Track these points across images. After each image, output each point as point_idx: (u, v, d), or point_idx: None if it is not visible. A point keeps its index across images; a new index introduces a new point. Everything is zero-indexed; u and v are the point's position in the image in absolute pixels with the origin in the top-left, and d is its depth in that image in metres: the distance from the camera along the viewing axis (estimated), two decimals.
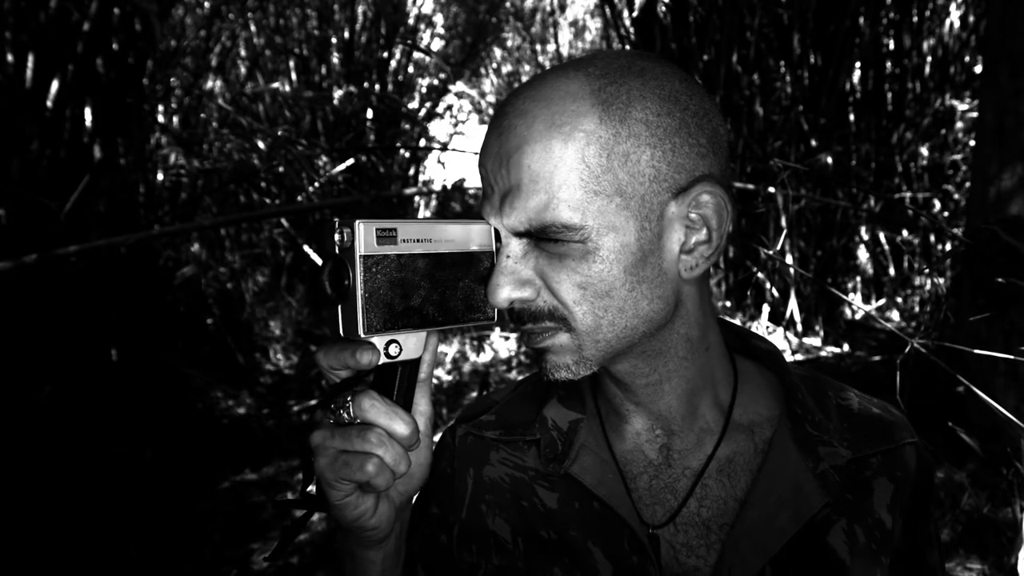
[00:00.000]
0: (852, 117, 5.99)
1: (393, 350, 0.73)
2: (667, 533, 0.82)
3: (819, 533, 0.81)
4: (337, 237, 0.70)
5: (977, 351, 2.00)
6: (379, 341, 0.72)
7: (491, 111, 11.55)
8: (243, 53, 7.46)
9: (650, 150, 0.72)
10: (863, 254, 6.19)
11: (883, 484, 0.84)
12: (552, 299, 0.75)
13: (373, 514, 0.75)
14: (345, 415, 0.71)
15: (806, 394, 0.87)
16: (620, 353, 0.79)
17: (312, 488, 0.77)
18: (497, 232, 0.77)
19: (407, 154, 8.21)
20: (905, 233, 6.04)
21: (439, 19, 9.68)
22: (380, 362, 0.71)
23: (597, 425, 0.88)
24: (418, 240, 0.72)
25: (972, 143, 5.08)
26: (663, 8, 5.97)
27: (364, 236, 0.69)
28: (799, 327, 5.69)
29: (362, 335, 0.70)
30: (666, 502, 0.84)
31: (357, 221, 0.68)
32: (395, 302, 0.71)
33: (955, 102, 5.97)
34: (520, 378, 1.04)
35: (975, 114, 4.84)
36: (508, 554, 0.86)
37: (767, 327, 5.76)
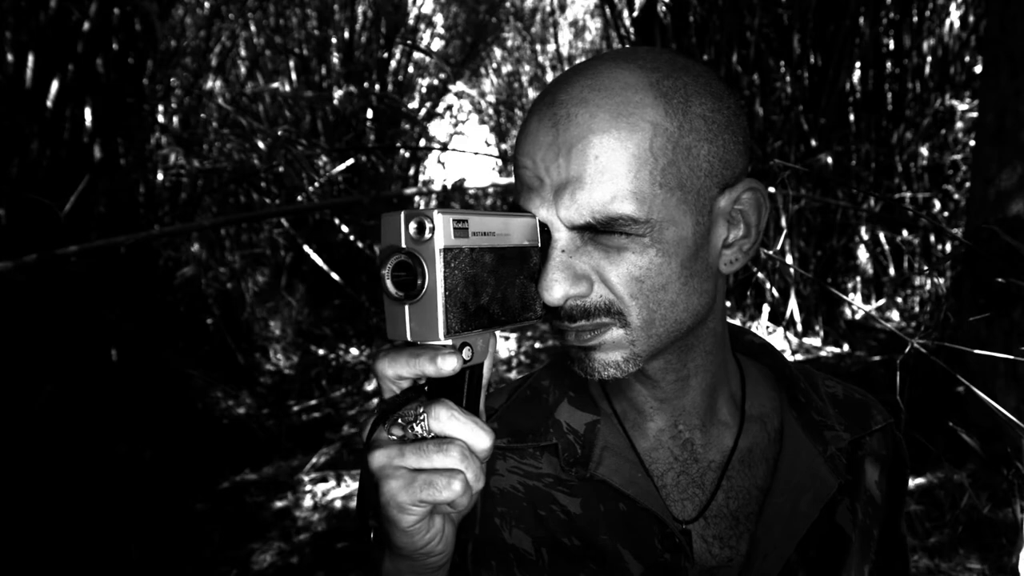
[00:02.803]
0: (852, 117, 5.98)
1: (467, 354, 0.66)
2: (698, 527, 0.84)
3: (830, 513, 0.86)
4: (413, 228, 0.62)
5: (977, 351, 2.00)
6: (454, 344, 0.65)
7: (491, 111, 11.55)
8: (243, 53, 7.45)
9: (707, 145, 0.73)
10: (863, 254, 6.19)
11: (872, 463, 0.90)
12: (608, 293, 0.73)
13: (442, 537, 0.69)
14: (419, 429, 0.64)
15: (807, 383, 0.92)
16: (664, 349, 0.78)
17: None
18: (543, 225, 0.74)
19: (407, 154, 8.21)
20: (905, 233, 6.03)
21: (439, 19, 9.69)
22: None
23: (616, 425, 0.87)
24: (484, 233, 0.67)
25: (972, 143, 5.08)
26: (663, 8, 5.97)
27: (443, 227, 0.62)
28: (799, 327, 5.69)
29: (442, 338, 0.63)
30: (695, 496, 0.85)
31: (435, 211, 0.62)
32: (469, 301, 0.65)
33: (955, 102, 5.97)
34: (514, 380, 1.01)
35: (975, 114, 4.84)
36: (531, 566, 0.83)
37: (767, 327, 5.76)
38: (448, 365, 0.63)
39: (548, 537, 0.84)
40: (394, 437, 0.64)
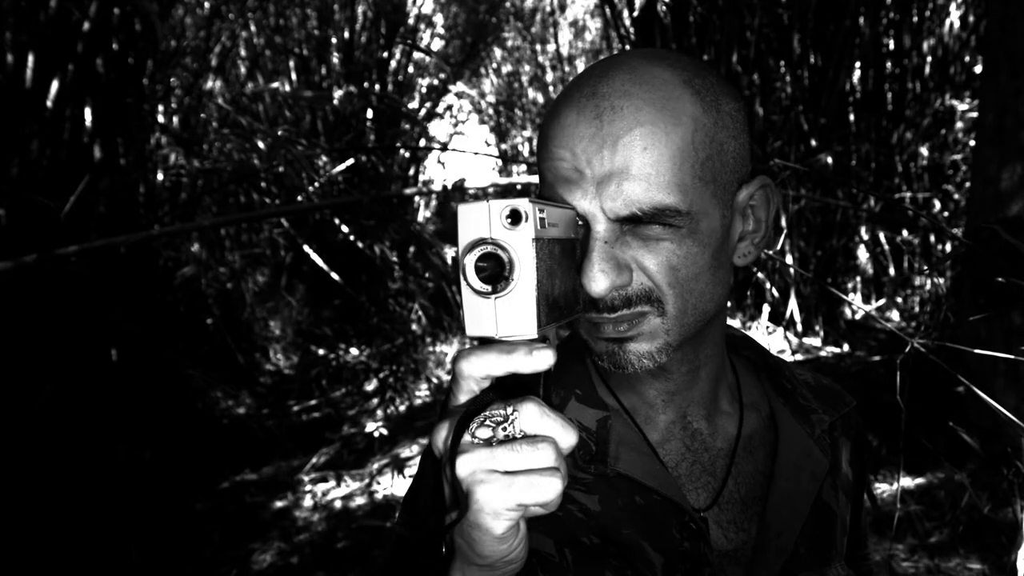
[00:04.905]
0: (852, 117, 5.98)
1: None
2: (713, 514, 0.86)
3: (819, 491, 0.91)
4: (507, 218, 0.59)
5: (977, 351, 2.00)
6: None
7: (491, 111, 11.54)
8: (243, 53, 7.45)
9: (734, 141, 0.76)
10: (863, 254, 6.19)
11: (844, 443, 0.96)
12: (648, 281, 0.75)
13: (525, 542, 0.65)
14: (512, 429, 0.60)
15: (789, 371, 0.97)
16: (688, 340, 0.80)
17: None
18: (580, 218, 0.74)
19: (407, 154, 8.21)
20: (905, 233, 6.03)
21: (439, 19, 9.67)
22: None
23: (626, 419, 0.88)
24: (552, 224, 0.65)
25: (972, 143, 5.07)
26: (663, 8, 5.97)
27: (534, 216, 0.60)
28: (799, 327, 5.68)
29: (535, 332, 0.60)
30: (707, 485, 0.88)
31: (526, 200, 0.60)
32: (549, 293, 0.63)
33: (955, 102, 5.96)
34: None
35: (975, 114, 4.84)
36: (555, 567, 0.83)
37: (767, 327, 5.76)
38: (545, 360, 0.60)
39: (569, 537, 0.83)
40: (478, 440, 0.61)
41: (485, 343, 0.62)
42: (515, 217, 0.59)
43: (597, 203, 0.73)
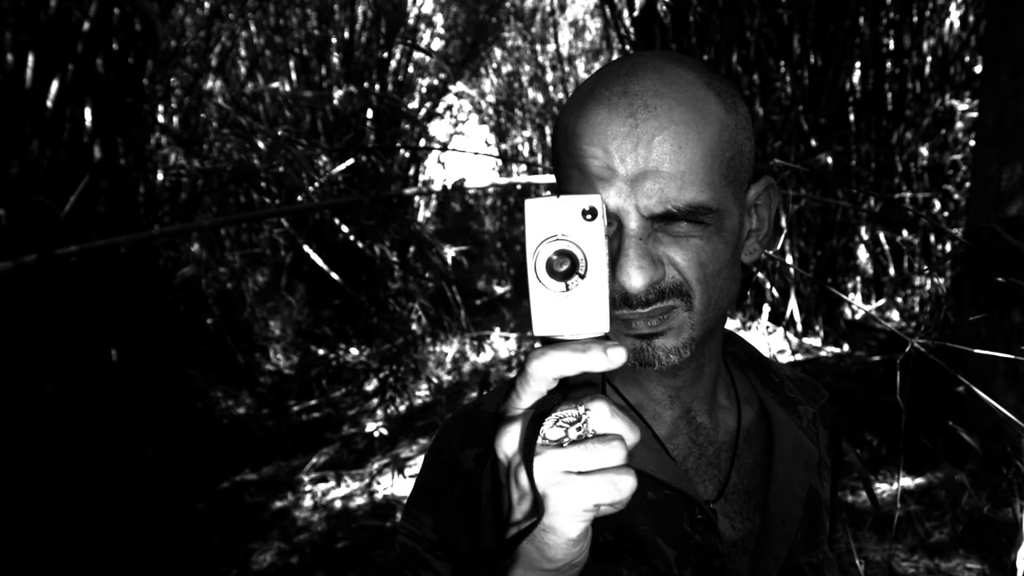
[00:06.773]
0: (852, 117, 5.98)
1: None
2: (720, 505, 0.88)
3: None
4: (586, 213, 0.59)
5: (977, 351, 2.00)
6: None
7: (491, 111, 11.53)
8: (243, 53, 7.45)
9: (748, 142, 0.79)
10: (863, 254, 6.18)
11: (823, 432, 1.01)
12: (678, 275, 0.76)
13: (588, 543, 0.64)
14: (584, 428, 0.60)
15: (776, 366, 1.02)
16: (705, 335, 0.82)
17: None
18: (610, 214, 0.74)
19: (407, 154, 8.20)
20: (905, 233, 6.03)
21: (439, 19, 9.67)
22: None
23: (634, 416, 0.89)
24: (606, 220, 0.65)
25: (972, 143, 5.07)
26: (663, 8, 5.97)
27: (603, 211, 0.60)
28: (799, 327, 5.68)
29: (607, 328, 0.60)
30: (714, 478, 0.90)
31: (597, 196, 0.60)
32: (608, 289, 0.62)
33: (955, 102, 5.96)
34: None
35: (975, 114, 4.84)
36: None
37: (767, 327, 5.76)
38: (619, 358, 0.59)
39: None
40: (549, 442, 0.60)
41: (551, 342, 0.61)
42: (592, 212, 0.59)
43: (632, 201, 0.73)
